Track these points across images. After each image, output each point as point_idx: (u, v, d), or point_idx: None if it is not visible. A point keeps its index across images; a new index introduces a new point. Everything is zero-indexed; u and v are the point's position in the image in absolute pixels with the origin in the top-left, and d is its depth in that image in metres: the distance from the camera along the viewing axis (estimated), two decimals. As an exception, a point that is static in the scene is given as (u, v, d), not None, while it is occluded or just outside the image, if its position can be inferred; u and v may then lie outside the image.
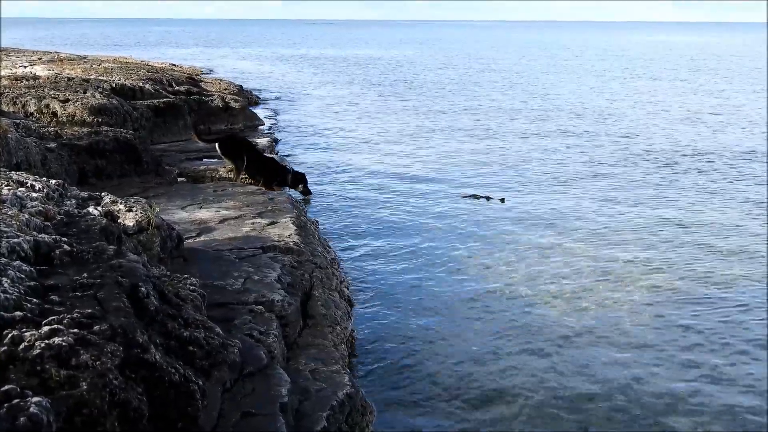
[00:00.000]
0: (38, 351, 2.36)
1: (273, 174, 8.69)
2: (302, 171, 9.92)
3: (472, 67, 40.28)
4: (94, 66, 17.65)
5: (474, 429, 4.47)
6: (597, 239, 8.45)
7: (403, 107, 21.47)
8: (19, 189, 4.30)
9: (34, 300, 2.73)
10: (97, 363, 2.40)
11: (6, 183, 4.40)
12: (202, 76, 24.41)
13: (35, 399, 2.13)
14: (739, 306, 6.44)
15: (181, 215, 6.81)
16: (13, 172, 4.87)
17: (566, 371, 5.17)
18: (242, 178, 8.81)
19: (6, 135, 6.66)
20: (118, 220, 4.62)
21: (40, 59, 20.55)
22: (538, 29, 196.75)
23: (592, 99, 24.14)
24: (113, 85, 13.17)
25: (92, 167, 8.18)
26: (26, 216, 3.61)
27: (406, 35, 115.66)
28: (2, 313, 2.53)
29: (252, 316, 4.25)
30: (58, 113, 10.69)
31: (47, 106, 10.78)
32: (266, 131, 15.78)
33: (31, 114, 10.58)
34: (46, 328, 2.49)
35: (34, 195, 4.24)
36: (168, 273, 4.10)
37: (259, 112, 18.28)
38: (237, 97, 16.77)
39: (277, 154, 12.63)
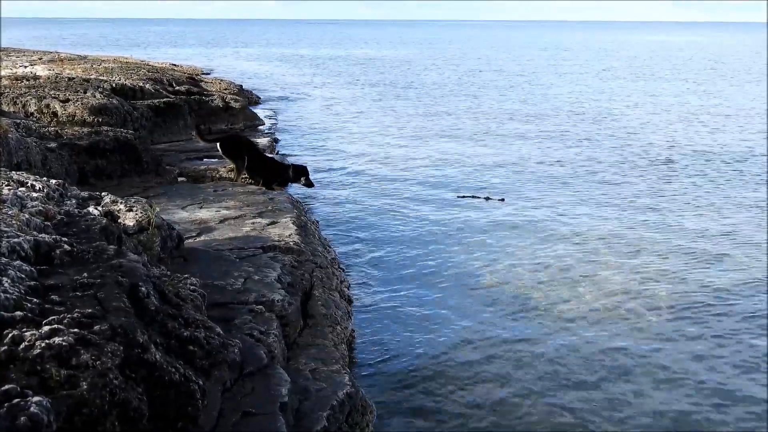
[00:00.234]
0: (38, 351, 2.36)
1: (274, 174, 8.68)
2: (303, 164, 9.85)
3: (472, 67, 40.28)
4: (94, 66, 17.64)
5: (475, 428, 4.47)
6: (597, 239, 8.45)
7: (403, 107, 21.48)
8: (20, 189, 4.30)
9: (35, 300, 2.73)
10: (98, 363, 2.40)
11: (6, 183, 4.40)
12: (203, 75, 24.40)
13: (35, 399, 2.14)
14: (738, 306, 6.44)
15: (181, 215, 6.81)
16: (13, 172, 4.87)
17: (569, 373, 5.18)
18: (243, 178, 8.80)
19: (6, 135, 6.66)
20: (119, 220, 4.62)
21: (40, 59, 20.55)
22: (537, 29, 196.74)
23: (591, 99, 24.14)
24: (113, 85, 13.17)
25: (92, 167, 8.18)
26: (26, 216, 3.61)
27: (406, 35, 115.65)
28: (2, 312, 2.53)
29: (252, 316, 4.25)
30: (59, 113, 10.69)
31: (47, 106, 10.78)
32: (266, 131, 15.78)
33: (32, 114, 10.58)
34: (46, 328, 2.49)
35: (35, 195, 4.25)
36: (168, 273, 4.10)
37: (260, 111, 18.28)
38: (237, 97, 16.77)
39: (277, 153, 12.63)
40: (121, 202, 4.90)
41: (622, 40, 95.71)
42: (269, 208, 7.26)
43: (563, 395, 4.84)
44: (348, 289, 6.48)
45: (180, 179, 8.99)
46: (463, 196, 10.45)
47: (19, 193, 4.12)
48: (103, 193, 5.05)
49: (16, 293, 2.69)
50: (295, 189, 9.36)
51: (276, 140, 14.57)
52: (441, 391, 4.87)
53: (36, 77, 13.59)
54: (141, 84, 14.01)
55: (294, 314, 4.63)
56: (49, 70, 15.72)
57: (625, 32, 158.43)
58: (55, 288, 2.91)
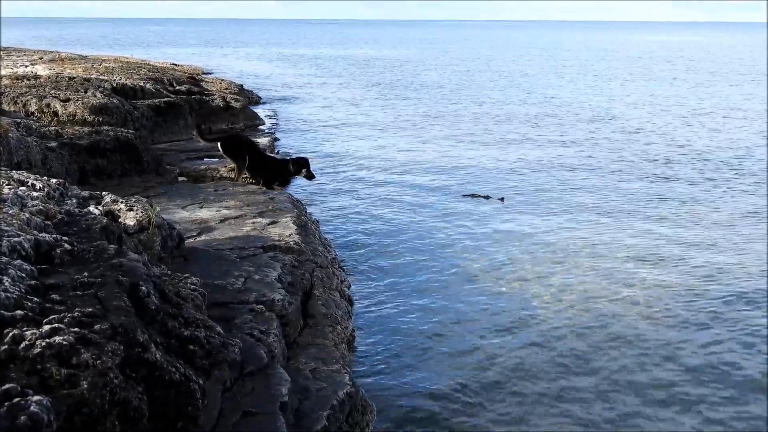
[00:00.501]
0: (39, 350, 2.36)
1: (274, 173, 8.67)
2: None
3: (472, 67, 40.28)
4: (94, 65, 17.65)
5: (476, 428, 4.47)
6: (597, 238, 8.45)
7: (403, 107, 21.48)
8: (20, 188, 4.31)
9: (35, 299, 2.73)
10: (98, 362, 2.40)
11: (7, 182, 4.40)
12: (203, 75, 24.40)
13: (36, 398, 2.13)
14: (739, 305, 6.44)
15: (181, 214, 6.81)
16: (14, 172, 4.87)
17: (569, 368, 5.17)
18: (243, 178, 8.80)
19: (7, 134, 6.66)
20: (119, 220, 4.62)
21: (41, 59, 20.55)
22: (537, 29, 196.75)
23: (591, 98, 24.14)
24: (114, 84, 13.17)
25: (93, 167, 8.18)
26: (27, 215, 3.61)
27: (406, 35, 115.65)
28: (3, 312, 2.53)
29: (252, 316, 4.25)
30: (59, 112, 10.69)
31: (48, 105, 10.78)
32: (267, 131, 15.80)
33: (32, 113, 10.58)
34: (46, 327, 2.49)
35: (35, 194, 4.25)
36: (168, 272, 4.10)
37: (260, 111, 18.29)
38: (238, 97, 16.77)
39: (277, 153, 12.63)
40: (121, 202, 4.90)
41: (622, 40, 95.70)
42: (270, 207, 7.26)
43: (568, 387, 4.84)
44: (348, 289, 6.48)
45: (180, 179, 8.99)
46: (466, 195, 10.47)
47: (19, 192, 4.12)
48: (103, 193, 5.05)
49: (17, 292, 2.69)
50: (296, 189, 9.36)
51: (276, 140, 14.57)
52: (441, 391, 4.87)
53: (37, 77, 13.60)
54: (141, 84, 14.01)
55: (294, 314, 4.63)
56: (50, 69, 15.72)
57: (625, 32, 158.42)
58: (56, 287, 2.90)
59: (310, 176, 8.78)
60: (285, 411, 3.28)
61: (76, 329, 2.52)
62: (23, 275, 2.87)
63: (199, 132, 9.66)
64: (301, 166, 8.73)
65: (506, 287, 6.87)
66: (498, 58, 49.75)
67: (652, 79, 32.86)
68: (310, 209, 9.22)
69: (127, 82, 13.92)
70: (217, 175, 9.25)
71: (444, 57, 51.60)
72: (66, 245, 3.29)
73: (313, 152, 13.86)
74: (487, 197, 10.37)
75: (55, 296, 2.80)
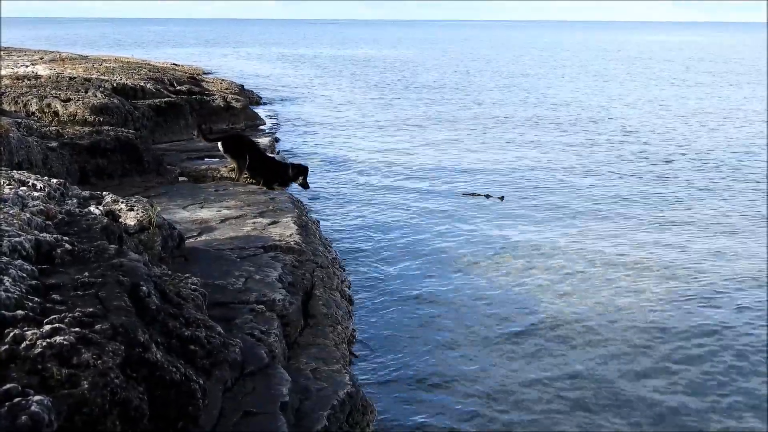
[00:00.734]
0: (39, 350, 2.36)
1: (274, 174, 8.68)
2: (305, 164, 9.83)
3: (472, 67, 40.28)
4: (95, 65, 17.65)
5: (477, 428, 4.47)
6: (596, 237, 8.45)
7: (403, 107, 21.48)
8: (21, 188, 4.31)
9: (36, 299, 2.73)
10: (99, 362, 2.40)
11: (8, 182, 4.41)
12: (204, 75, 24.41)
13: (36, 398, 2.14)
14: (739, 305, 6.44)
15: (182, 215, 6.81)
16: (14, 172, 4.87)
17: (569, 370, 5.17)
18: (244, 178, 8.81)
19: (8, 134, 6.66)
20: (120, 220, 4.62)
21: (41, 59, 20.55)
22: (537, 29, 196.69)
23: (590, 98, 24.14)
24: (115, 84, 13.17)
25: (93, 167, 8.18)
26: (28, 215, 3.61)
27: (406, 35, 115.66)
28: (4, 312, 2.53)
29: (253, 316, 4.25)
30: (60, 113, 10.69)
31: (49, 105, 10.79)
32: (267, 131, 15.80)
33: (33, 113, 10.58)
34: (47, 327, 2.49)
35: (36, 194, 4.25)
36: (169, 272, 4.10)
37: (261, 111, 18.29)
38: (238, 97, 16.78)
39: (278, 153, 12.64)
40: (122, 202, 4.90)
41: (622, 40, 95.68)
42: (270, 207, 7.26)
43: (566, 398, 4.84)
44: (349, 289, 6.48)
45: (181, 179, 8.99)
46: (466, 194, 10.48)
47: (20, 192, 4.12)
48: (104, 193, 5.06)
49: (18, 292, 2.69)
50: (296, 189, 9.36)
51: (277, 140, 14.58)
52: (442, 391, 4.87)
53: (37, 77, 13.60)
54: (142, 84, 14.01)
55: (295, 314, 4.63)
56: (51, 69, 15.72)
57: (625, 32, 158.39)
58: (56, 287, 2.91)
59: (304, 185, 8.86)
60: (285, 411, 3.28)
61: (76, 329, 2.52)
62: (24, 275, 2.87)
63: (200, 131, 9.67)
64: (299, 173, 8.79)
65: (507, 287, 6.86)
66: (498, 58, 49.75)
67: (652, 79, 32.85)
68: (310, 209, 9.22)
69: (128, 82, 13.92)
70: (218, 175, 9.26)
71: (444, 57, 51.60)
72: (67, 245, 3.29)
73: (313, 152, 13.87)
74: (487, 196, 10.38)
75: (55, 296, 2.80)
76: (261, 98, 22.25)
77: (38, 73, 14.42)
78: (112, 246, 3.45)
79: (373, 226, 8.98)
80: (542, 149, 14.47)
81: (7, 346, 2.36)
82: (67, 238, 3.43)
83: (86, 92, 11.78)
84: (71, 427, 2.21)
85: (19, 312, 2.57)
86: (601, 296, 6.63)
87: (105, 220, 3.98)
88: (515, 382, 5.01)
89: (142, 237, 4.64)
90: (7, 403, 2.08)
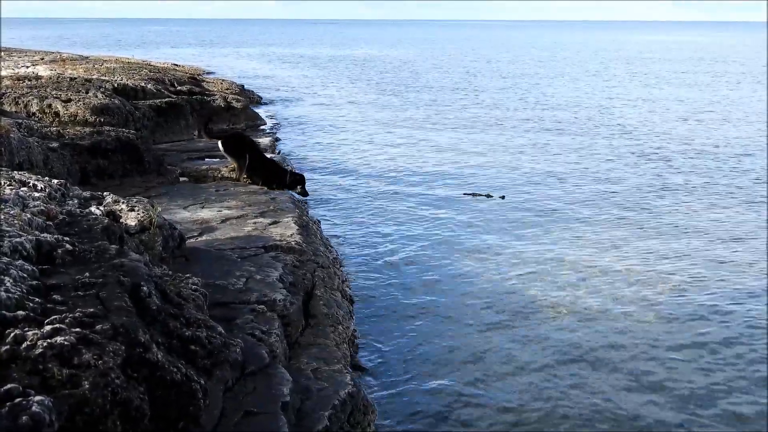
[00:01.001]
0: (40, 350, 2.36)
1: (272, 176, 8.69)
2: (302, 171, 9.90)
3: (472, 67, 40.27)
4: (96, 66, 17.67)
5: (477, 427, 4.46)
6: (597, 237, 8.45)
7: (404, 107, 21.48)
8: (22, 189, 4.31)
9: (37, 299, 2.73)
10: (99, 362, 2.40)
11: (8, 183, 4.41)
12: (204, 75, 24.42)
13: (37, 398, 2.14)
14: (738, 306, 6.43)
15: (183, 215, 6.81)
16: (15, 172, 4.87)
17: (572, 371, 5.17)
18: (244, 178, 8.81)
19: (8, 135, 6.67)
20: (120, 220, 4.62)
21: (42, 59, 20.57)
22: (537, 29, 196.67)
23: (591, 98, 24.14)
24: (115, 85, 13.18)
25: (94, 167, 8.18)
26: (28, 215, 3.62)
27: (406, 35, 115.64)
28: (4, 312, 2.53)
29: (254, 316, 4.25)
30: (61, 113, 10.70)
31: (49, 106, 10.79)
32: (268, 131, 15.81)
33: (34, 114, 10.59)
34: (48, 327, 2.49)
35: (37, 195, 4.25)
36: (170, 272, 4.10)
37: (261, 111, 18.30)
38: (239, 97, 16.79)
39: (279, 153, 12.64)
40: (122, 202, 4.91)
41: (622, 40, 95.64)
42: (271, 207, 7.27)
43: (567, 399, 4.83)
44: (350, 289, 6.48)
45: (182, 179, 8.99)
46: (467, 194, 10.49)
47: (21, 192, 4.12)
48: (104, 193, 5.06)
49: (18, 293, 2.69)
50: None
51: (278, 140, 14.59)
52: (442, 391, 4.87)
53: (38, 77, 13.61)
54: (143, 84, 14.02)
55: (296, 314, 4.63)
56: (51, 70, 15.73)
57: (625, 32, 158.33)
58: (57, 287, 2.91)
59: (303, 193, 8.86)
60: (286, 411, 3.28)
61: (77, 329, 2.52)
62: (25, 276, 2.87)
63: (206, 131, 9.67)
64: (297, 182, 8.78)
65: (509, 286, 6.86)
66: (498, 58, 49.73)
67: (652, 78, 32.83)
68: (311, 209, 9.22)
69: (129, 82, 13.93)
70: (219, 176, 9.26)
71: (444, 57, 51.59)
72: (67, 246, 3.29)
73: (314, 152, 13.87)
74: (488, 195, 10.38)
75: (56, 296, 2.80)
76: (261, 98, 22.26)
77: (39, 74, 14.43)
78: (113, 246, 3.45)
79: (373, 225, 8.98)
80: (543, 148, 14.47)
81: (8, 347, 2.36)
82: (68, 239, 3.43)
83: (87, 93, 11.79)
84: (72, 428, 2.21)
85: (20, 312, 2.57)
86: (602, 292, 6.62)
87: (106, 221, 3.98)
88: (519, 384, 5.01)
89: (143, 237, 4.64)
90: (8, 404, 2.08)
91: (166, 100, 13.25)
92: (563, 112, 20.31)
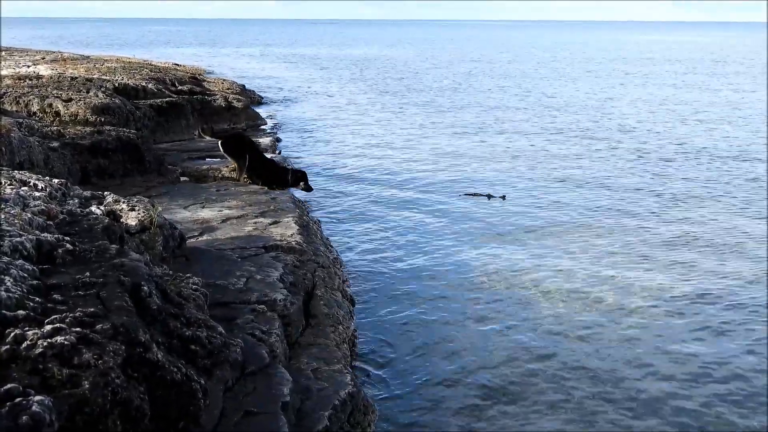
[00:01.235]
0: (40, 350, 2.36)
1: (273, 176, 8.69)
2: (303, 168, 9.91)
3: (472, 67, 40.27)
4: (96, 66, 17.66)
5: (477, 428, 4.46)
6: (597, 237, 8.45)
7: (404, 106, 21.48)
8: (22, 188, 4.31)
9: (37, 299, 2.73)
10: (99, 362, 2.40)
11: (9, 182, 4.41)
12: (205, 75, 24.42)
13: (37, 398, 2.13)
14: (739, 306, 6.43)
15: (183, 214, 6.81)
16: (16, 172, 4.87)
17: (570, 370, 5.17)
18: (244, 178, 8.81)
19: (9, 134, 6.67)
20: (121, 220, 4.62)
21: (43, 59, 20.56)
22: (537, 29, 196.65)
23: (590, 98, 24.13)
24: (116, 84, 13.18)
25: (95, 167, 8.18)
26: (29, 215, 3.62)
27: (407, 35, 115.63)
28: (5, 311, 2.53)
29: (254, 316, 4.25)
30: (61, 113, 10.70)
31: (50, 105, 10.79)
32: (269, 131, 15.81)
33: (34, 113, 10.59)
34: (48, 327, 2.49)
35: (37, 194, 4.25)
36: (170, 272, 4.10)
37: (262, 111, 18.30)
38: (240, 97, 16.79)
39: (279, 153, 12.64)
40: (123, 202, 4.90)
41: (623, 40, 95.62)
42: (271, 207, 7.26)
43: (567, 401, 4.83)
44: (350, 289, 6.48)
45: (182, 179, 8.99)
46: (468, 194, 10.49)
47: (21, 192, 4.12)
48: (105, 193, 5.05)
49: (19, 292, 2.69)
50: (297, 189, 9.36)
51: (278, 140, 14.59)
52: (443, 391, 4.87)
53: (39, 77, 13.61)
54: (143, 84, 14.02)
55: (296, 314, 4.63)
56: (52, 69, 15.73)
57: (626, 32, 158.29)
58: (58, 287, 2.90)
59: (307, 189, 8.89)
60: (286, 411, 3.28)
61: (77, 329, 2.52)
62: (25, 275, 2.87)
63: (206, 131, 9.68)
64: (299, 178, 8.80)
65: (508, 286, 6.86)
66: (498, 58, 49.73)
67: (652, 78, 32.82)
68: (311, 209, 9.22)
69: (129, 82, 13.93)
70: (219, 175, 9.26)
71: (444, 57, 51.58)
72: (68, 245, 3.29)
73: (314, 152, 13.87)
74: (488, 196, 10.37)
75: (56, 296, 2.80)
76: (262, 98, 22.26)
77: (40, 73, 14.43)
78: (114, 246, 3.45)
79: (374, 225, 8.98)
80: (543, 148, 14.47)
81: (8, 346, 2.36)
82: (69, 238, 3.43)
83: (88, 92, 11.79)
84: (72, 427, 2.21)
85: (20, 312, 2.57)
86: (602, 292, 6.62)
87: (106, 220, 3.98)
88: (518, 383, 5.01)
89: (144, 237, 4.64)
90: (8, 403, 2.08)
91: (167, 99, 13.26)
92: (565, 112, 20.30)
